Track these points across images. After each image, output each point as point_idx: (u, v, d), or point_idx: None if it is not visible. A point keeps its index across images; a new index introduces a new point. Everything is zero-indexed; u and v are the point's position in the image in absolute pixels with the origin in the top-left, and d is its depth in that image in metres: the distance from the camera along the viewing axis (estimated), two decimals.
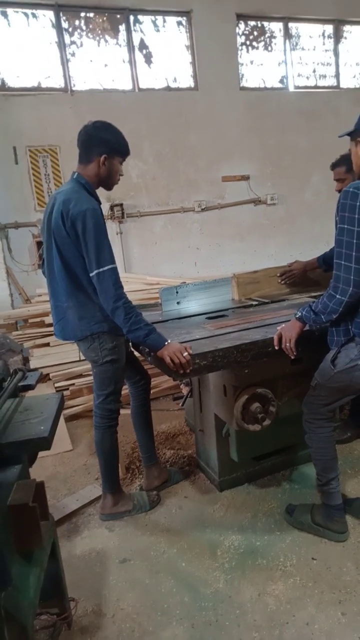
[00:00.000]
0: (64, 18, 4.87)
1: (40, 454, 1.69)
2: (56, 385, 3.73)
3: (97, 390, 2.30)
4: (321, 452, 2.11)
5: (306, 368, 2.20)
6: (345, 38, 6.23)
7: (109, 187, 2.20)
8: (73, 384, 3.76)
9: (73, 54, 4.98)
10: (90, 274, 1.99)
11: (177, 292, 2.90)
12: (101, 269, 1.96)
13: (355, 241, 1.72)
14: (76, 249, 2.01)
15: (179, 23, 5.37)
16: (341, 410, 2.98)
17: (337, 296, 1.79)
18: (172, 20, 5.33)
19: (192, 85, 5.48)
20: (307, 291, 2.96)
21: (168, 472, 2.66)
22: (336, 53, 6.18)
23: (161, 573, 2.03)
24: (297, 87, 6.02)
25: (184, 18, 5.35)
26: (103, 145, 2.08)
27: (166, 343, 1.98)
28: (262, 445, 2.48)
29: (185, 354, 1.93)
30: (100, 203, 2.12)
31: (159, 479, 2.59)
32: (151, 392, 2.65)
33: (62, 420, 3.28)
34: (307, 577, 1.92)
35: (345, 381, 1.94)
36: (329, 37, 6.13)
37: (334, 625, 1.71)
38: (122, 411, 2.39)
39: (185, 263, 5.64)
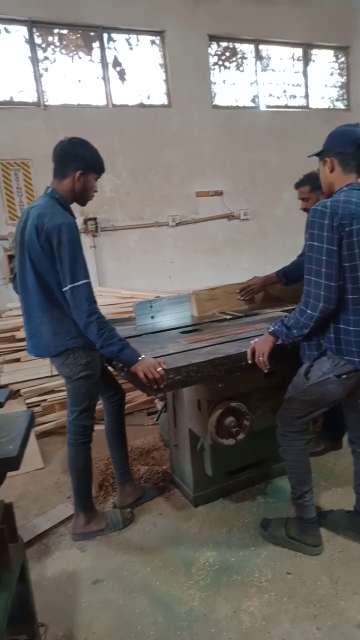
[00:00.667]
0: (38, 34, 4.89)
1: (10, 473, 1.64)
2: (28, 401, 3.65)
3: (71, 407, 2.26)
4: (295, 465, 2.12)
5: (280, 381, 2.22)
6: (314, 61, 6.46)
7: (83, 203, 2.20)
8: (45, 400, 3.68)
9: (46, 70, 4.99)
10: (64, 289, 1.97)
11: (151, 307, 2.90)
12: (75, 284, 1.94)
13: (324, 258, 1.76)
14: (51, 263, 1.99)
15: (153, 42, 5.46)
16: (315, 422, 3.01)
17: (308, 311, 1.82)
18: (145, 39, 5.42)
19: (166, 102, 5.56)
20: (268, 307, 2.99)
21: (142, 488, 2.63)
22: (306, 75, 6.40)
23: (135, 593, 1.98)
24: (268, 107, 6.19)
25: (158, 37, 5.45)
26: (79, 161, 2.08)
27: (140, 358, 1.97)
28: (237, 459, 2.48)
29: (160, 369, 1.92)
30: (75, 218, 2.11)
31: (133, 496, 2.55)
32: (126, 407, 2.62)
33: (33, 437, 3.21)
34: (283, 592, 1.91)
35: (319, 394, 1.96)
36: (298, 59, 6.35)
37: None
38: (96, 427, 2.35)
39: (160, 277, 5.66)
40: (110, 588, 2.03)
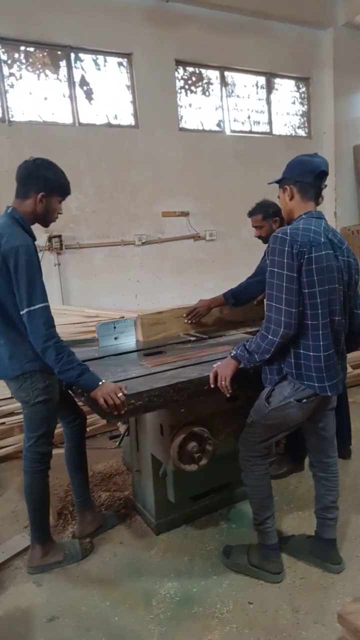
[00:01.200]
0: (3, 50, 4.85)
1: None
2: None
3: (27, 432, 2.17)
4: (257, 490, 2.11)
5: (242, 405, 2.22)
6: (277, 89, 6.70)
7: (45, 224, 2.16)
8: (3, 423, 3.54)
9: (12, 86, 4.94)
10: (21, 312, 1.91)
11: (114, 327, 2.85)
12: (32, 307, 1.89)
13: (284, 284, 1.78)
14: (7, 285, 1.93)
15: (120, 64, 5.52)
16: (277, 445, 3.03)
17: (269, 336, 1.83)
18: (113, 60, 5.47)
19: (133, 123, 5.61)
20: (222, 329, 2.98)
21: (103, 516, 2.54)
22: (269, 102, 6.61)
23: (92, 630, 1.90)
24: (233, 131, 6.34)
25: (125, 59, 5.52)
26: (42, 183, 2.03)
27: (100, 383, 1.92)
28: (200, 484, 2.45)
29: (120, 394, 1.87)
30: (35, 239, 2.06)
31: (93, 525, 2.47)
32: (87, 429, 2.55)
33: None
34: (244, 623, 1.87)
35: (280, 418, 1.97)
36: (262, 87, 6.56)
37: None
38: (55, 451, 2.27)
39: (126, 295, 5.62)
40: (66, 625, 1.93)
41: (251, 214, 2.98)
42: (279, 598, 1.98)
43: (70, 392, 2.38)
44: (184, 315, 2.98)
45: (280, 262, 1.79)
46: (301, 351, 1.88)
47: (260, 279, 2.79)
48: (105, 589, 2.11)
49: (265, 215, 2.89)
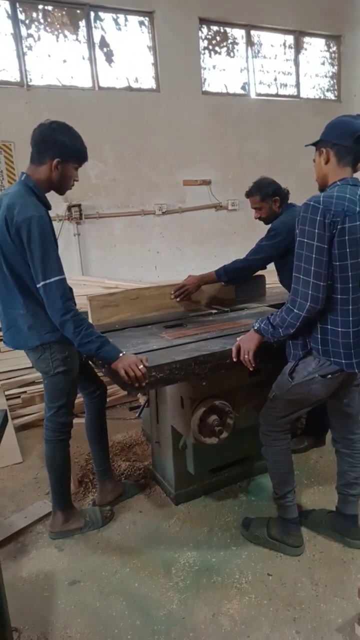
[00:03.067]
0: (21, 9, 4.68)
1: None
2: (7, 393, 3.54)
3: (48, 403, 2.18)
4: (278, 465, 2.09)
5: (264, 379, 2.18)
6: (306, 49, 6.35)
7: (60, 192, 2.07)
8: (25, 392, 3.59)
9: (30, 47, 4.80)
10: (37, 285, 1.87)
11: None
12: (48, 281, 1.84)
13: (314, 256, 1.69)
14: (22, 258, 1.88)
15: (141, 23, 5.29)
16: (298, 419, 2.99)
17: (295, 310, 1.76)
18: (134, 19, 5.24)
19: (154, 86, 5.41)
20: (203, 308, 2.82)
21: (123, 485, 2.57)
22: (297, 63, 6.29)
23: (112, 595, 1.94)
24: (258, 95, 6.07)
25: (146, 18, 5.28)
26: (58, 148, 1.93)
27: (120, 355, 1.89)
28: (220, 457, 2.44)
29: (141, 366, 1.84)
30: (49, 208, 1.99)
31: (113, 494, 2.50)
32: (107, 400, 2.55)
33: (11, 430, 3.12)
34: (263, 594, 1.89)
35: (303, 394, 1.92)
36: (289, 47, 6.23)
37: None
38: (76, 420, 2.28)
39: (145, 267, 5.57)
40: (87, 589, 1.97)
41: (249, 194, 2.76)
42: (299, 571, 1.99)
43: (91, 362, 2.36)
44: (172, 292, 2.74)
45: (311, 232, 1.69)
46: (329, 327, 1.80)
47: (262, 257, 2.66)
48: (125, 556, 2.14)
49: (264, 196, 2.68)
